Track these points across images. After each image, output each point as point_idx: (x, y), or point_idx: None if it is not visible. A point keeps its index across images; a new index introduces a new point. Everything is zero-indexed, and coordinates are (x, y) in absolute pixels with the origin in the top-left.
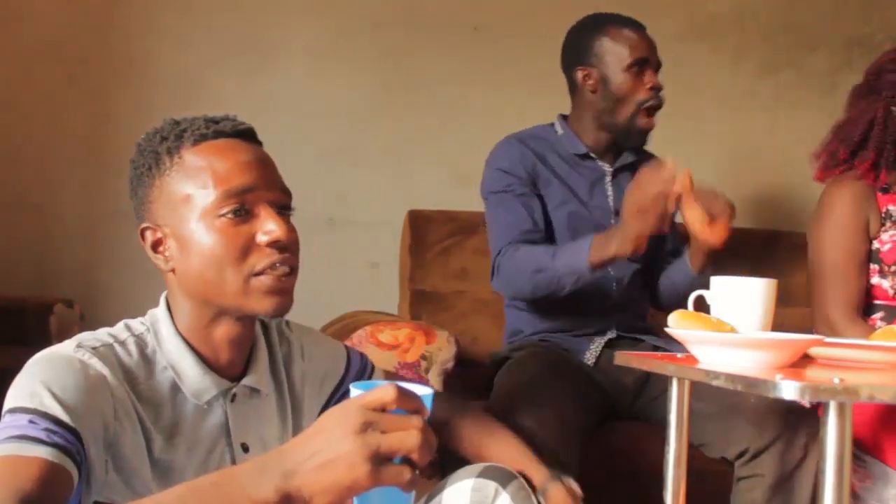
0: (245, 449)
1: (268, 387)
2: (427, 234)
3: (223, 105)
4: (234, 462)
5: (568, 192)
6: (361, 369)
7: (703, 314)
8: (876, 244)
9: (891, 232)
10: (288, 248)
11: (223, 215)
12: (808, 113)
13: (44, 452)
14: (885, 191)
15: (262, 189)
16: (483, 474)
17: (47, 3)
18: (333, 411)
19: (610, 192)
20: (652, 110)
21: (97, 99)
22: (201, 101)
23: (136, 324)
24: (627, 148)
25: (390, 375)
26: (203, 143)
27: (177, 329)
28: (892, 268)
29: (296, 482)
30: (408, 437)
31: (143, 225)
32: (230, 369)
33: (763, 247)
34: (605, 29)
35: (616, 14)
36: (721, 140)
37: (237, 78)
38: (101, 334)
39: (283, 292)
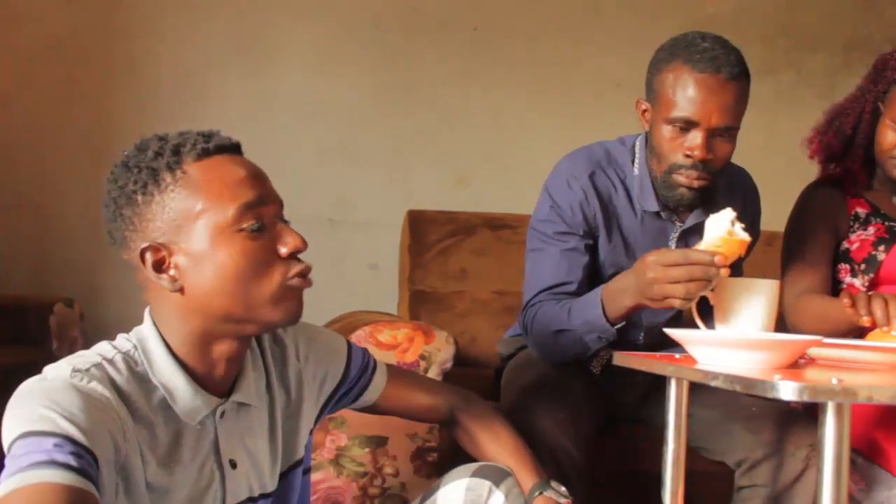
0: (233, 465)
1: (257, 399)
2: (426, 234)
3: (224, 105)
4: (222, 479)
5: (622, 251)
6: (364, 366)
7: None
8: (846, 245)
9: (858, 232)
10: (301, 256)
11: (243, 230)
12: (807, 114)
13: (72, 479)
14: (856, 195)
15: (268, 202)
16: (477, 473)
17: (47, 3)
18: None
19: None
20: (690, 177)
21: (97, 99)
22: (201, 101)
23: (122, 341)
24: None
25: (393, 370)
26: (207, 158)
27: (168, 347)
28: (862, 266)
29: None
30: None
31: (143, 245)
32: (222, 384)
33: (762, 248)
34: (672, 61)
35: (698, 45)
36: None
37: (237, 78)
38: (90, 354)
39: (301, 299)
